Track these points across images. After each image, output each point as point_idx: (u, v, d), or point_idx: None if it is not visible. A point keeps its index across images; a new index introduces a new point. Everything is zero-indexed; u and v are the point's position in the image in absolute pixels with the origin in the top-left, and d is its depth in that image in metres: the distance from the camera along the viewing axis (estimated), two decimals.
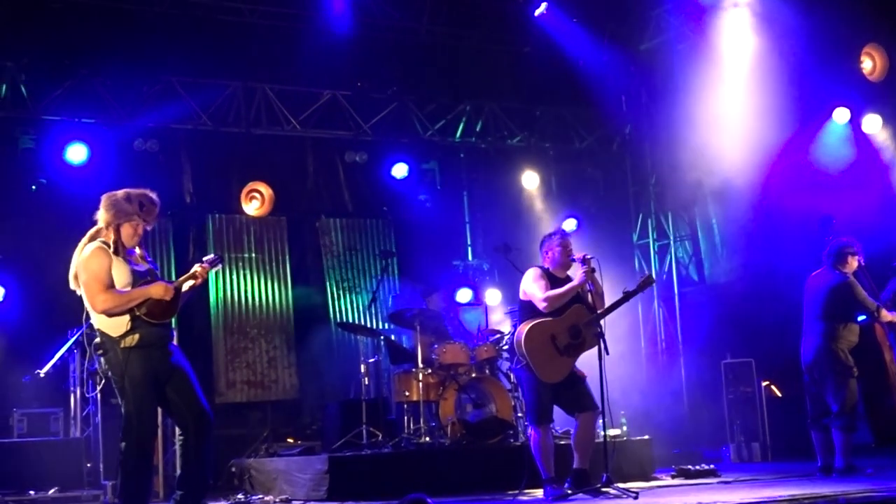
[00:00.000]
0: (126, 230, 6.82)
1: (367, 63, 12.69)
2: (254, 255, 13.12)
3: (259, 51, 12.38)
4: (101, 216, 6.84)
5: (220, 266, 7.28)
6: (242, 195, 12.82)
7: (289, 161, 13.30)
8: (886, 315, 9.71)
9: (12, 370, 10.82)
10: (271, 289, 13.17)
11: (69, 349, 10.24)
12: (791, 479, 9.36)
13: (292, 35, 12.22)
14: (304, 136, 13.13)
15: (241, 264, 12.99)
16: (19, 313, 11.22)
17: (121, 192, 6.91)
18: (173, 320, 7.07)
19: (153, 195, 6.94)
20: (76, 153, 11.55)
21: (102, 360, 6.83)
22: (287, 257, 13.36)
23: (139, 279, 6.80)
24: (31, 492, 9.56)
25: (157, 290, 6.78)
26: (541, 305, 8.30)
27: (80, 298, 6.88)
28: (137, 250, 6.95)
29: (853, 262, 9.70)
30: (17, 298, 11.25)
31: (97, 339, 6.81)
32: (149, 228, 6.96)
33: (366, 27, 12.43)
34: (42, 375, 10.23)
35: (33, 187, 11.85)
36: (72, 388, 10.54)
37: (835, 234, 10.16)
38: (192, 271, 7.01)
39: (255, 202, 12.85)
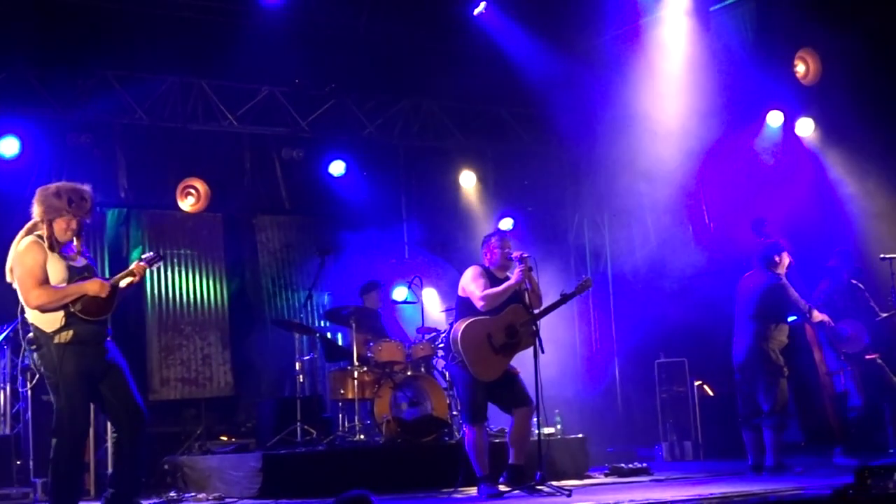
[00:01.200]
0: (59, 225, 6.79)
1: (306, 59, 12.61)
2: (189, 251, 13.02)
3: (196, 46, 12.22)
4: (35, 210, 6.82)
5: (159, 264, 7.28)
6: (178, 191, 12.68)
7: (225, 157, 13.19)
8: (818, 315, 9.91)
9: None
10: (206, 286, 13.09)
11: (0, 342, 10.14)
12: (722, 477, 9.49)
13: (230, 30, 12.09)
14: (241, 133, 13.04)
15: (175, 261, 12.88)
16: None
17: (52, 187, 6.89)
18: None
19: (85, 189, 6.90)
20: (8, 146, 11.38)
21: (35, 355, 6.82)
22: (222, 254, 13.28)
23: (75, 275, 6.79)
24: None
25: (93, 287, 6.76)
26: (478, 304, 8.36)
27: (11, 293, 6.85)
28: (76, 243, 6.92)
29: (784, 264, 9.87)
30: None
31: (31, 335, 6.80)
32: (87, 221, 6.93)
33: (304, 23, 12.37)
34: None
35: None
36: (1, 385, 10.41)
37: (766, 236, 10.33)
38: (129, 268, 7.03)
39: (190, 198, 12.73)
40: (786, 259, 9.88)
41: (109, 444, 9.13)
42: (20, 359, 9.64)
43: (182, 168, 12.81)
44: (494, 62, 12.89)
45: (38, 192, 6.87)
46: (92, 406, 7.15)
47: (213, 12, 12.16)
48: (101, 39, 11.65)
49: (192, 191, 12.75)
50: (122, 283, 6.95)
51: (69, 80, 11.79)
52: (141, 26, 11.70)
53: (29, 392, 9.89)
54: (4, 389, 10.37)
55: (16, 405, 10.30)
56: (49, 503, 6.80)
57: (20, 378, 9.99)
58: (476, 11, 12.66)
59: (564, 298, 8.57)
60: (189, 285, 12.98)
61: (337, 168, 13.45)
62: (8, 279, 6.81)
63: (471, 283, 8.46)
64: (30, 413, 10.02)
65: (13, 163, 11.41)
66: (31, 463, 9.85)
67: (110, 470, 7.40)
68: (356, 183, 13.72)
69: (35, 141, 11.56)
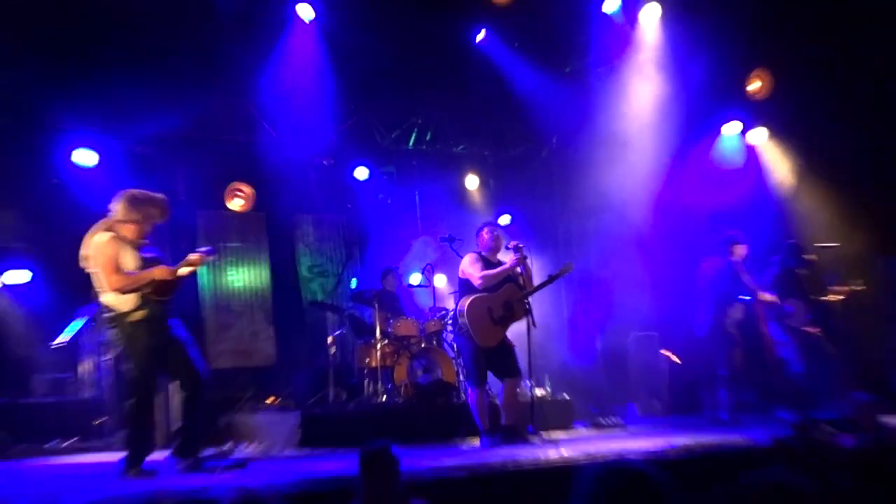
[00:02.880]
0: (145, 228, 7.07)
1: (335, 81, 12.73)
2: (238, 244, 13.17)
3: (243, 69, 12.37)
4: (123, 212, 7.00)
5: (213, 257, 7.51)
6: (228, 193, 12.87)
7: (268, 164, 13.33)
8: (764, 296, 10.13)
9: (34, 341, 10.95)
10: (253, 273, 13.21)
11: (84, 323, 10.39)
12: (685, 429, 9.60)
13: (274, 57, 12.25)
14: (281, 143, 13.19)
15: (226, 253, 13.06)
16: (42, 293, 11.23)
17: (141, 194, 7.08)
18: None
19: (166, 200, 7.20)
20: (84, 157, 11.50)
21: (112, 332, 7.06)
22: (266, 246, 13.37)
23: (146, 264, 7.07)
24: (54, 442, 9.81)
25: (161, 273, 7.02)
26: (477, 283, 8.58)
27: (89, 280, 7.12)
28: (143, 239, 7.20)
29: (739, 253, 10.08)
30: (40, 281, 11.30)
31: (108, 314, 7.03)
32: None
33: (332, 52, 12.48)
34: (60, 345, 10.39)
35: (54, 181, 11.80)
36: (87, 356, 10.67)
37: (725, 227, 10.54)
38: (188, 258, 7.24)
39: (238, 199, 12.84)
40: (740, 249, 10.09)
41: (177, 403, 9.43)
42: (103, 334, 9.90)
43: (231, 173, 12.91)
44: (495, 82, 13.02)
45: (130, 197, 7.05)
46: (162, 372, 7.42)
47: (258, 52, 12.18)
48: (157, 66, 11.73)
49: (240, 193, 12.86)
50: (182, 271, 7.19)
51: (135, 99, 11.92)
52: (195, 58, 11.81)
53: (108, 362, 10.16)
54: (90, 360, 10.66)
55: (97, 374, 10.59)
56: (127, 452, 7.05)
57: (100, 351, 10.28)
58: (478, 39, 12.78)
59: (550, 279, 8.69)
60: (239, 273, 13.14)
61: (361, 173, 13.67)
62: (81, 264, 7.03)
63: (469, 267, 8.71)
64: (109, 379, 10.29)
65: (89, 171, 11.59)
66: (111, 420, 10.18)
67: (179, 424, 7.68)
68: (377, 185, 13.93)
69: (107, 151, 11.68)
